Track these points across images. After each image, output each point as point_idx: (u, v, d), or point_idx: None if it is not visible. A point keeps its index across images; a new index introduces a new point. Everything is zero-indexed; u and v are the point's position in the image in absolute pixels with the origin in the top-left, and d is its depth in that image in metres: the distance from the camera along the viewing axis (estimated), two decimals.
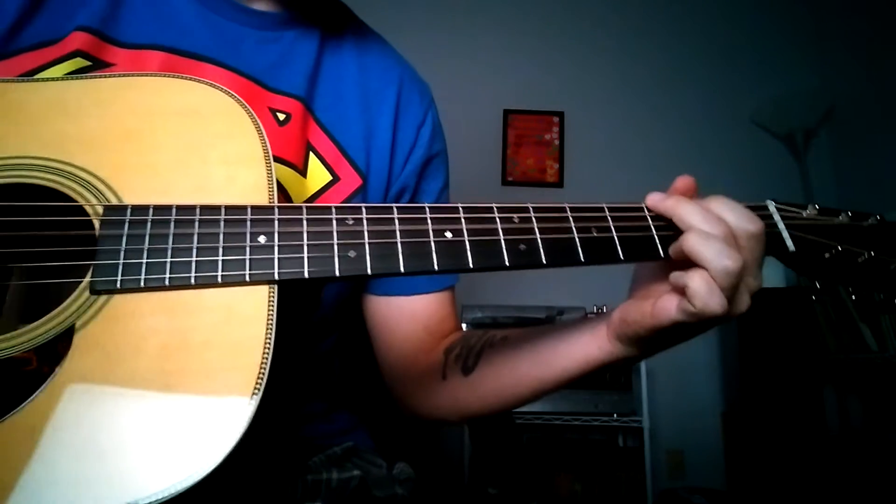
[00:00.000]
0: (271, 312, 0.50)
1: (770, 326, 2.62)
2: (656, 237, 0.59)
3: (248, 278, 0.51)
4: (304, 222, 0.54)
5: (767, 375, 2.60)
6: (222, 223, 0.53)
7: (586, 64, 3.33)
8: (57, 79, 0.61)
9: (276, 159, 0.72)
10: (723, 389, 2.96)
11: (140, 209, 0.53)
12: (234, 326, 0.50)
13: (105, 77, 0.62)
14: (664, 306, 0.56)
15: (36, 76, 0.66)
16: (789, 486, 2.46)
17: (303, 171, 0.76)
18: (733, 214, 0.57)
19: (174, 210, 0.53)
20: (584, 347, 0.66)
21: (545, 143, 3.25)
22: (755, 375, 2.63)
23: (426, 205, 0.58)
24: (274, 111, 0.75)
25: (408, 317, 0.85)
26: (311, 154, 0.77)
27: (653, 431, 2.61)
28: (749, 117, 3.28)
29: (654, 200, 0.60)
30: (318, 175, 0.77)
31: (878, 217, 0.66)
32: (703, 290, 0.53)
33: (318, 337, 0.82)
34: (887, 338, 2.45)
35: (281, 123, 0.75)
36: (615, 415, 2.58)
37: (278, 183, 0.71)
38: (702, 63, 3.34)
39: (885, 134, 2.89)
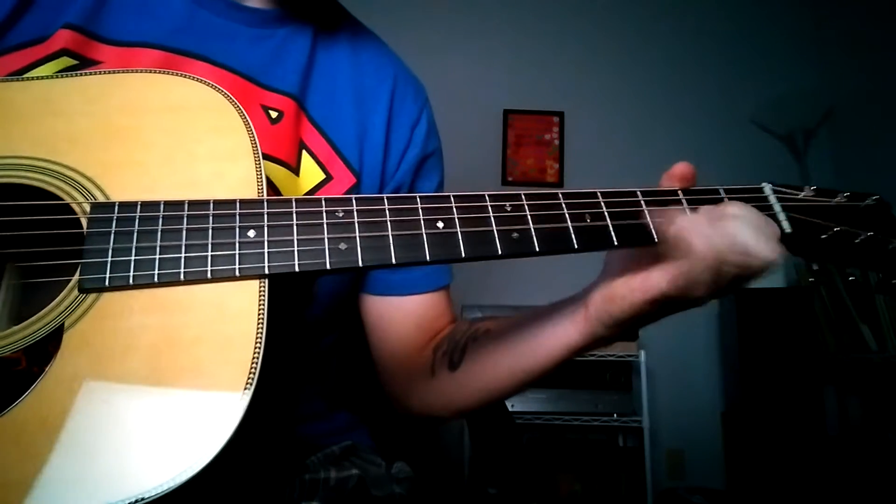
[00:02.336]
0: (262, 307, 0.50)
1: (770, 326, 2.62)
2: (650, 222, 0.59)
3: (237, 273, 0.51)
4: (294, 215, 0.54)
5: (767, 375, 2.60)
6: (211, 218, 0.52)
7: (586, 64, 3.32)
8: (45, 77, 0.61)
9: (269, 158, 0.72)
10: (723, 389, 2.96)
11: (127, 206, 0.52)
12: (225, 322, 0.49)
13: (93, 74, 0.61)
14: (654, 278, 0.56)
15: (24, 75, 0.65)
16: (789, 485, 2.46)
17: (295, 170, 0.75)
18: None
19: (162, 206, 0.52)
20: (564, 334, 0.65)
21: (545, 143, 3.25)
22: (755, 375, 2.63)
23: (417, 195, 0.57)
24: (266, 109, 0.75)
25: (402, 316, 0.84)
26: (304, 152, 0.77)
27: (653, 431, 2.61)
28: (749, 117, 3.28)
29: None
30: (310, 173, 0.76)
31: (876, 197, 0.65)
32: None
33: (315, 336, 0.82)
34: (887, 338, 2.45)
35: (273, 121, 0.75)
36: (615, 415, 2.58)
37: (270, 182, 0.71)
38: (702, 63, 3.34)
39: (885, 134, 2.89)
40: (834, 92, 3.22)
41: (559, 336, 0.66)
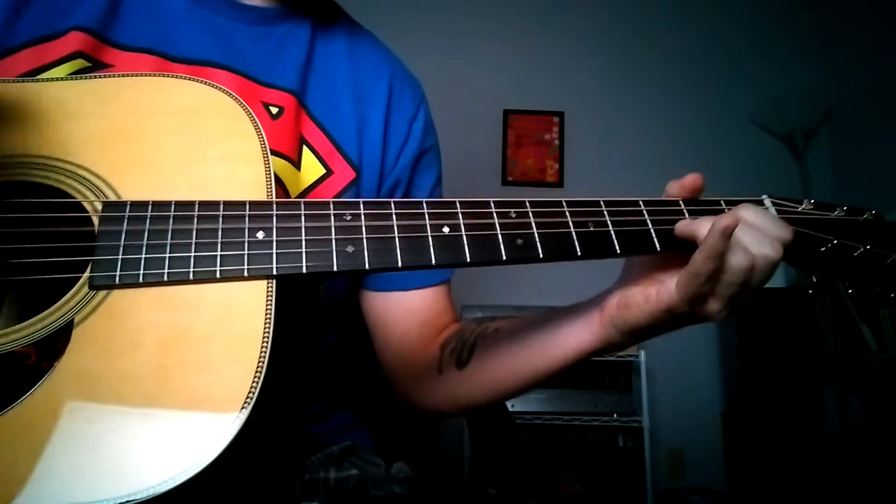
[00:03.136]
0: (269, 307, 0.51)
1: (770, 326, 2.62)
2: (652, 231, 0.60)
3: (246, 273, 0.51)
4: (303, 217, 0.55)
5: (767, 375, 2.60)
6: (221, 219, 0.53)
7: (586, 64, 3.32)
8: (59, 79, 0.62)
9: (272, 152, 0.73)
10: (723, 389, 2.96)
11: (139, 205, 0.53)
12: (232, 321, 0.50)
13: (106, 77, 0.62)
14: (669, 289, 0.58)
15: (38, 77, 0.66)
16: (789, 485, 2.46)
17: (297, 164, 0.76)
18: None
19: (173, 206, 0.53)
20: (577, 337, 0.66)
21: (545, 143, 3.25)
22: (755, 375, 2.63)
23: (423, 200, 0.58)
24: (267, 105, 0.75)
25: (405, 312, 0.85)
26: (305, 147, 0.77)
27: (653, 431, 2.62)
28: (749, 117, 3.28)
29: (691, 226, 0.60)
30: (311, 168, 0.77)
31: (874, 212, 0.67)
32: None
33: (317, 334, 0.83)
34: (887, 338, 2.45)
35: (274, 117, 0.75)
36: (615, 415, 2.58)
37: (275, 175, 0.72)
38: (702, 63, 3.34)
39: (884, 134, 2.88)
40: (834, 92, 3.22)
41: (572, 338, 0.67)
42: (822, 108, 3.20)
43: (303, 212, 0.55)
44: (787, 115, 3.18)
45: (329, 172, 0.78)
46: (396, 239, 0.55)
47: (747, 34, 3.39)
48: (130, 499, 0.42)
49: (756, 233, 0.57)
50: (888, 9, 2.90)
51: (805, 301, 2.64)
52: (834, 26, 3.32)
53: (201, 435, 0.45)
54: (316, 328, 0.82)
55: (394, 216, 0.56)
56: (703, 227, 0.57)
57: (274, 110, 0.76)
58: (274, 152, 0.73)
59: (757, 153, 3.22)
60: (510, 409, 2.36)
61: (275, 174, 0.71)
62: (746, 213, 0.59)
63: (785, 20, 3.41)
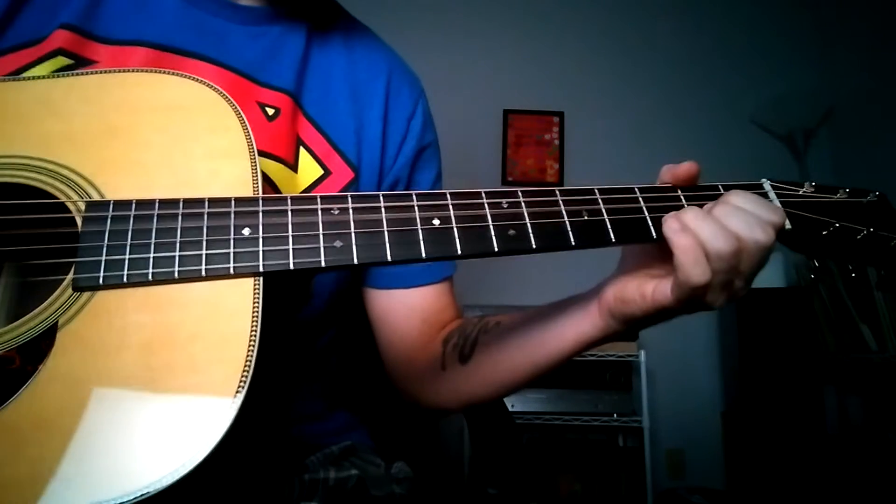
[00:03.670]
0: (256, 305, 0.50)
1: (770, 326, 2.62)
2: (648, 219, 0.59)
3: (232, 271, 0.51)
4: (289, 213, 0.54)
5: (767, 375, 2.60)
6: (206, 216, 0.52)
7: (586, 64, 3.32)
8: (43, 77, 0.61)
9: (266, 155, 0.72)
10: (723, 389, 2.96)
11: (122, 204, 0.52)
12: (219, 320, 0.49)
13: (90, 74, 0.61)
14: (664, 291, 0.57)
15: (21, 75, 0.65)
16: (789, 485, 2.46)
17: (293, 166, 0.75)
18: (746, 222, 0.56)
19: (157, 204, 0.52)
20: (576, 327, 0.66)
21: (545, 143, 3.24)
22: (755, 375, 2.63)
23: (413, 192, 0.57)
24: (262, 105, 0.75)
25: (407, 310, 0.84)
26: (302, 148, 0.77)
27: (653, 431, 2.61)
28: (749, 117, 3.27)
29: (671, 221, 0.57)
30: (309, 169, 0.76)
31: (878, 193, 0.65)
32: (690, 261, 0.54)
33: (313, 333, 0.82)
34: (887, 338, 2.44)
35: (270, 118, 0.75)
36: (615, 415, 2.58)
37: (269, 179, 0.71)
38: (702, 63, 3.34)
39: (884, 134, 2.88)
40: (834, 92, 3.22)
41: (572, 329, 0.66)
42: (822, 108, 3.19)
43: (289, 207, 0.54)
44: (787, 115, 3.18)
45: (327, 173, 0.78)
46: (385, 232, 0.54)
47: (747, 34, 3.38)
48: (123, 500, 0.42)
49: (746, 217, 0.56)
50: (888, 9, 2.90)
51: (805, 301, 2.64)
52: (834, 26, 3.31)
53: (191, 435, 0.44)
54: (313, 327, 0.81)
55: (383, 209, 0.55)
56: (669, 233, 0.56)
57: (270, 111, 0.75)
58: (269, 155, 0.72)
59: (757, 153, 3.21)
60: (510, 409, 2.36)
61: (269, 177, 0.71)
62: (735, 197, 0.58)
63: (785, 20, 3.41)
